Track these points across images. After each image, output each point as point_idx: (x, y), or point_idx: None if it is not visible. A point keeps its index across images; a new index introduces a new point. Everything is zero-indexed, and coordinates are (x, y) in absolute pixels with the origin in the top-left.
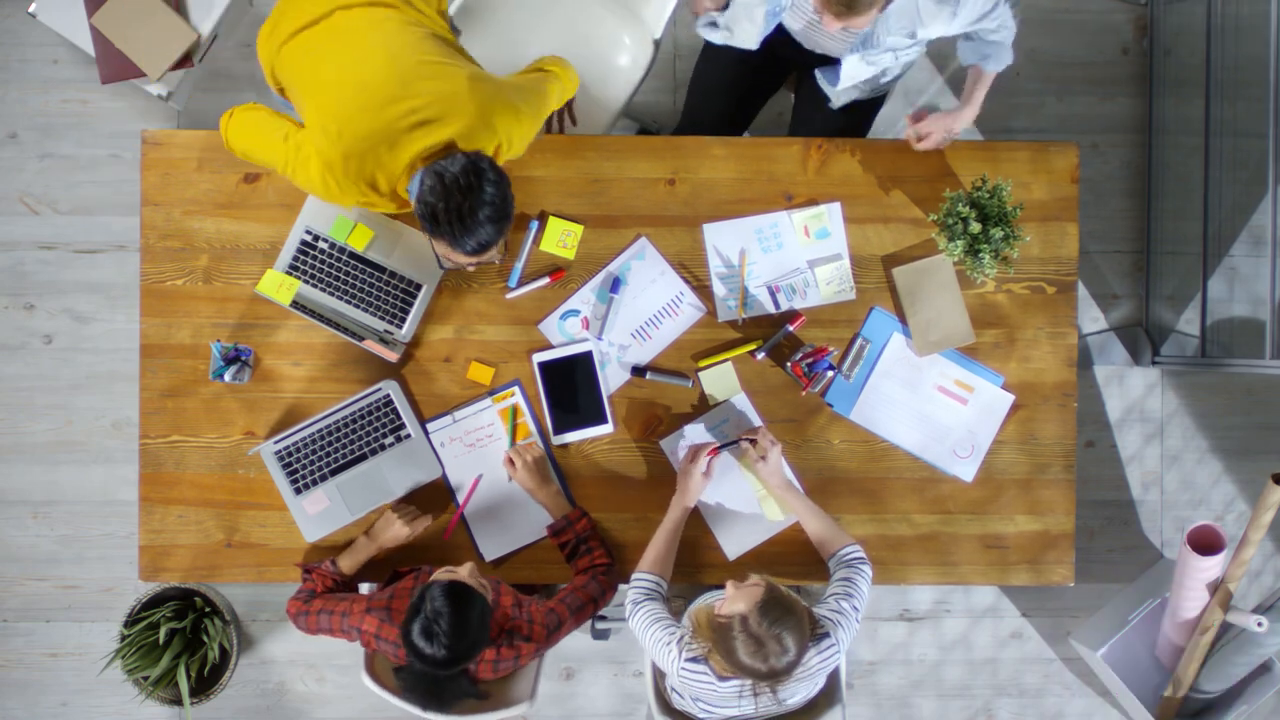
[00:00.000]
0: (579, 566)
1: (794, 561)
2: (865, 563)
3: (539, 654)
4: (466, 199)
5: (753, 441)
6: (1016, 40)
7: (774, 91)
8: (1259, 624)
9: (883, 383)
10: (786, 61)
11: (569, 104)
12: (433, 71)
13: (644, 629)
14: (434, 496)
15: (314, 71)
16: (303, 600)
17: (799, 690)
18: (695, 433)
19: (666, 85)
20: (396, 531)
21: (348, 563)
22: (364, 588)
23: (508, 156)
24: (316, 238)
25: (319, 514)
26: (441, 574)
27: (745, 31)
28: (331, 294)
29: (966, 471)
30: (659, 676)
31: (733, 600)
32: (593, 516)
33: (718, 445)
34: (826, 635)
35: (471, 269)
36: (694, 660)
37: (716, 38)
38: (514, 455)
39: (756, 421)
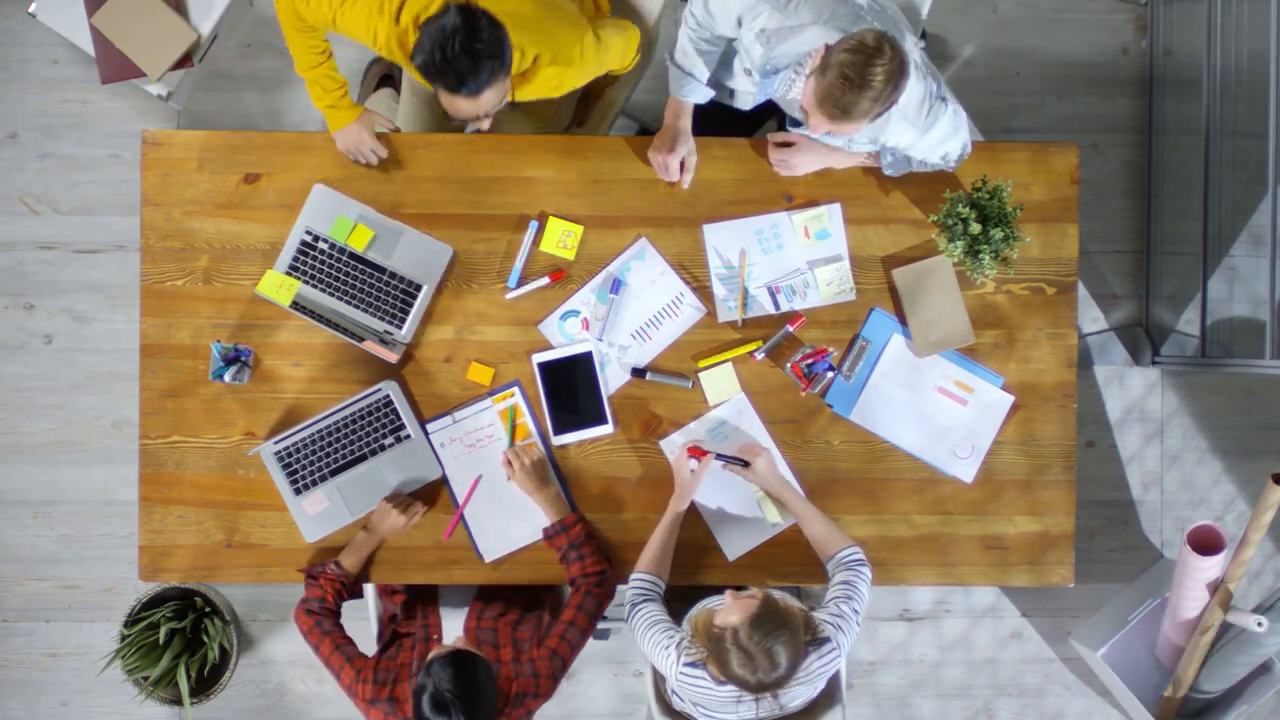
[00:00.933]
0: (570, 573)
1: (793, 562)
2: (865, 565)
3: (546, 701)
4: (454, 39)
5: (743, 463)
6: (1011, 45)
7: (760, 124)
8: (1259, 624)
9: (883, 383)
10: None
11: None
12: None
13: (642, 632)
14: (434, 497)
15: None
16: (314, 620)
17: (801, 693)
18: (685, 435)
19: (665, 85)
20: (394, 521)
21: (350, 560)
22: (368, 591)
23: (546, 80)
24: (316, 238)
25: (319, 514)
26: (439, 649)
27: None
28: (331, 294)
29: (966, 472)
30: (659, 678)
31: (728, 611)
32: (590, 520)
33: (710, 453)
34: (827, 639)
35: (484, 125)
36: (692, 665)
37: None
38: (512, 456)
39: (756, 422)
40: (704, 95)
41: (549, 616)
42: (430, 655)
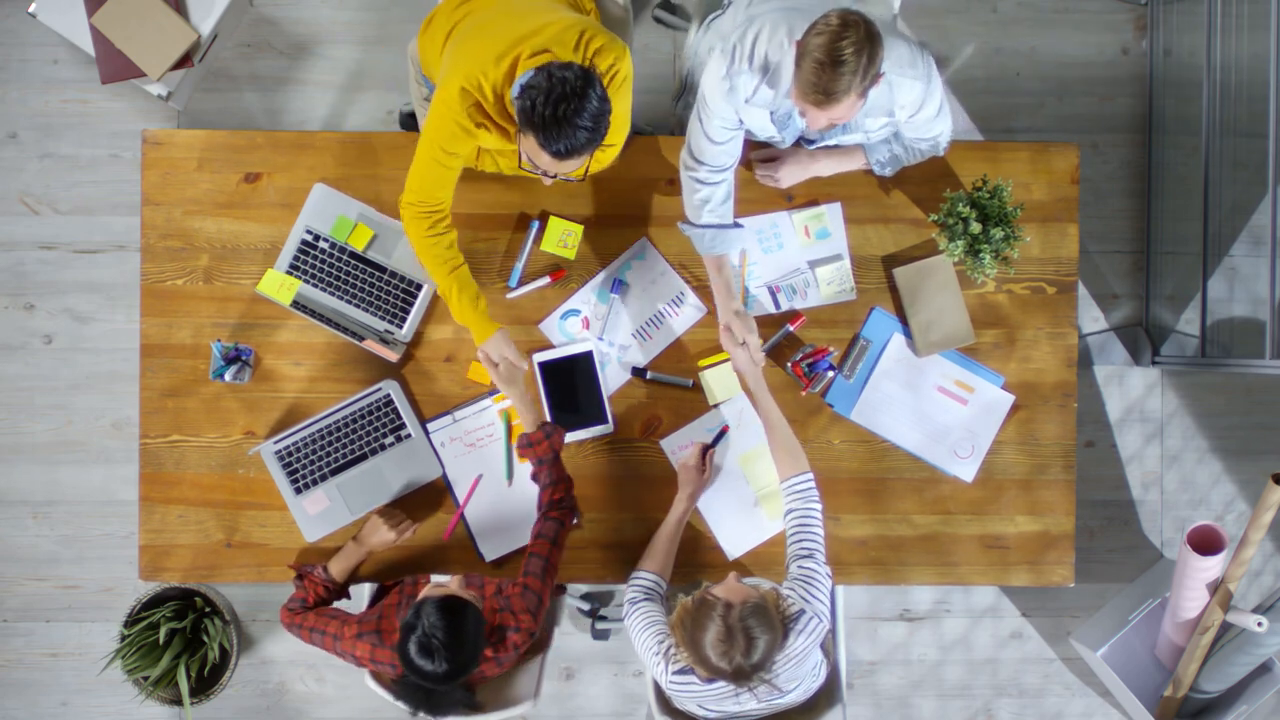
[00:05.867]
0: (540, 500)
1: None
2: (816, 497)
3: (534, 636)
4: (570, 101)
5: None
6: (1009, 46)
7: None
8: (1259, 624)
9: (883, 383)
10: None
11: None
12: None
13: (637, 633)
14: (433, 496)
15: (471, 18)
16: (296, 612)
17: (794, 674)
18: (694, 433)
19: (666, 86)
20: (383, 536)
21: (338, 568)
22: (356, 591)
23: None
24: (317, 237)
25: (319, 514)
26: (431, 589)
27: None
28: (332, 294)
29: (966, 472)
30: None
31: (728, 589)
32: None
33: (708, 444)
34: (801, 613)
35: (548, 181)
36: (680, 671)
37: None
38: (495, 355)
39: (757, 422)
40: (742, 236)
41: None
42: (422, 594)
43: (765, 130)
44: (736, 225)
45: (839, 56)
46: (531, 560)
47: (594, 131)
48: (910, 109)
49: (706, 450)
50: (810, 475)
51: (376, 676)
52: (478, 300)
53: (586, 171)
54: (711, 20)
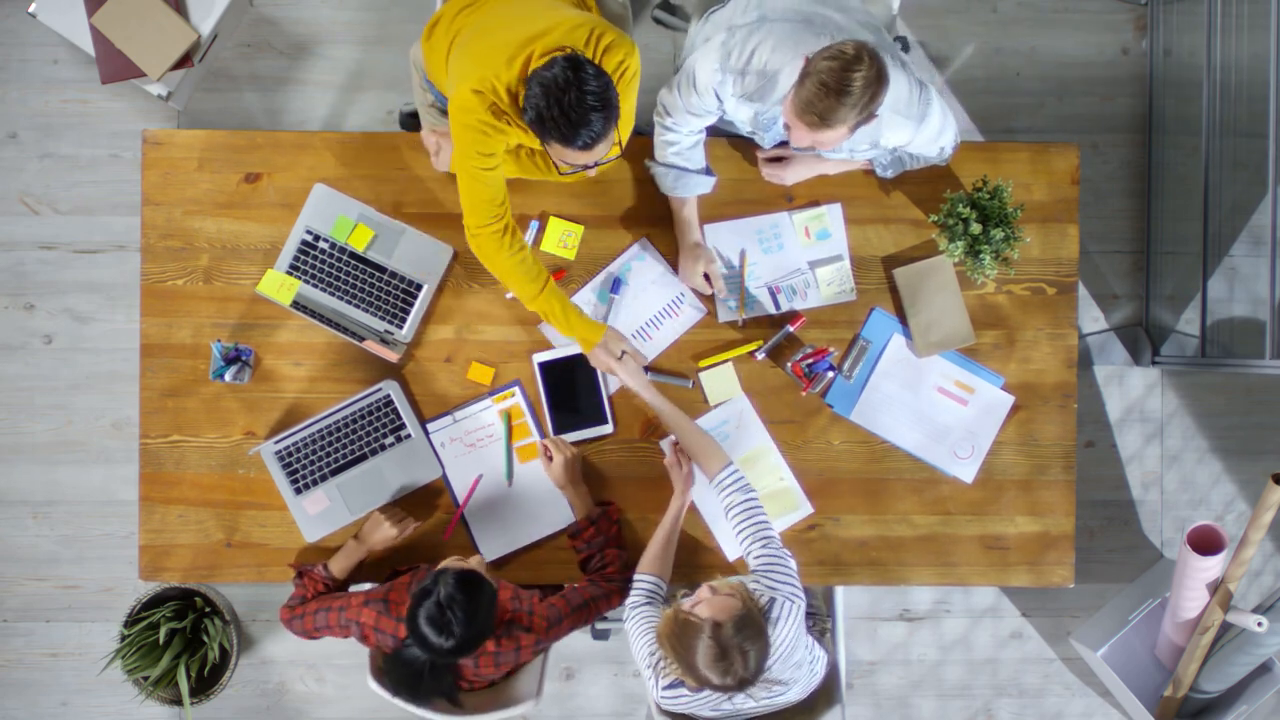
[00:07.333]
0: (590, 573)
1: None
2: (748, 484)
3: (539, 647)
4: (567, 94)
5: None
6: (1009, 48)
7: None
8: (1259, 624)
9: (883, 383)
10: None
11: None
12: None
13: (634, 638)
14: (433, 496)
15: (476, 23)
16: (295, 607)
17: (788, 665)
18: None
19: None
20: (385, 533)
21: (339, 566)
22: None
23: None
24: (317, 238)
25: (319, 514)
26: (453, 562)
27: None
28: (332, 294)
29: (966, 472)
30: None
31: (708, 604)
32: (614, 517)
33: (675, 439)
34: (771, 601)
35: (592, 172)
36: (670, 685)
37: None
38: (552, 446)
39: (756, 422)
40: (708, 184)
41: None
42: (443, 564)
43: (745, 126)
44: (707, 173)
45: (846, 86)
46: (572, 593)
47: (606, 108)
48: (897, 143)
49: (676, 446)
50: (734, 465)
51: (371, 659)
52: (577, 308)
53: (622, 146)
54: (711, 13)
